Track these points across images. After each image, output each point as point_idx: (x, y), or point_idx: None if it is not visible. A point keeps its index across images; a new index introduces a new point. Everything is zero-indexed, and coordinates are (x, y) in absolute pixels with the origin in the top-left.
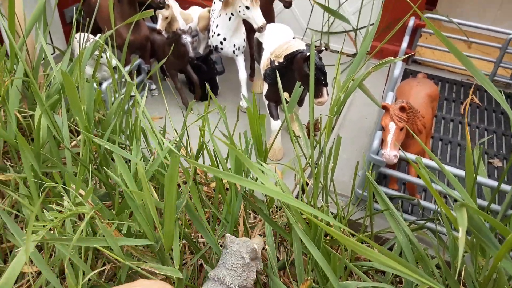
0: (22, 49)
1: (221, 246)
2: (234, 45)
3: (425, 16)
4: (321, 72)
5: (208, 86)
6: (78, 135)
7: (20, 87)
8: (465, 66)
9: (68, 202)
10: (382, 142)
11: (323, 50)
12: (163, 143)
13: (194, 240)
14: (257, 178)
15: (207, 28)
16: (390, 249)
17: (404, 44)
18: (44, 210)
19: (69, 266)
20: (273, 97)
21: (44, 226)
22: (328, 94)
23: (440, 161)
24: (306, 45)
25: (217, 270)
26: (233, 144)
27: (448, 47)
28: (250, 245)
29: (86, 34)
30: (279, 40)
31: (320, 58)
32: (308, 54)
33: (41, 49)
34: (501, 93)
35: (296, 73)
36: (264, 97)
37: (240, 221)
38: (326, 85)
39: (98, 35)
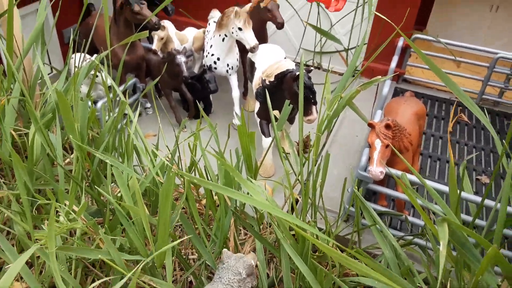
0: (19, 69)
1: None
2: (228, 65)
3: (414, 37)
4: (310, 91)
5: (200, 105)
6: (72, 153)
7: (16, 106)
8: (449, 87)
9: (64, 218)
10: (370, 159)
11: (311, 69)
12: (155, 160)
13: (184, 256)
14: (248, 193)
15: (201, 48)
16: None
17: (393, 64)
18: (35, 227)
19: (60, 281)
20: (265, 115)
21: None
22: (317, 112)
23: (424, 178)
24: (296, 64)
25: (213, 284)
26: (224, 160)
27: (432, 69)
28: (247, 261)
29: (83, 54)
30: (271, 60)
31: (309, 78)
32: (297, 73)
33: (38, 69)
34: (487, 112)
35: (286, 92)
36: (256, 115)
37: (231, 237)
38: (315, 103)
39: (95, 55)
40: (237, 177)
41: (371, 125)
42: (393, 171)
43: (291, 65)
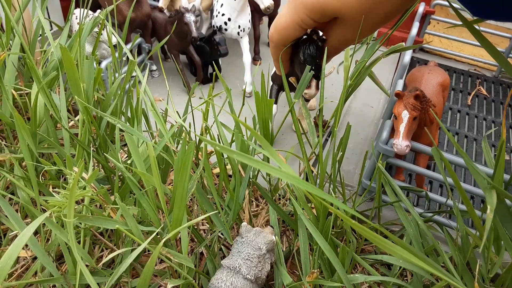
0: (18, 22)
1: (221, 234)
2: (239, 26)
3: (435, 3)
4: (313, 60)
5: (215, 68)
6: (76, 115)
7: (16, 63)
8: (498, 62)
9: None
10: (393, 131)
11: (324, 39)
12: (165, 124)
13: (195, 227)
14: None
15: (210, 8)
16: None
17: (414, 31)
18: (40, 192)
19: (66, 251)
20: (278, 80)
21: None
22: (318, 88)
23: (444, 152)
24: (315, 32)
25: (232, 258)
26: (239, 129)
27: (485, 47)
28: (268, 236)
29: (85, 10)
30: None
31: (318, 48)
32: (305, 37)
33: (38, 25)
34: (507, 85)
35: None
36: (271, 78)
37: (245, 209)
38: (316, 77)
39: (98, 11)
40: (263, 143)
41: (398, 95)
42: (420, 145)
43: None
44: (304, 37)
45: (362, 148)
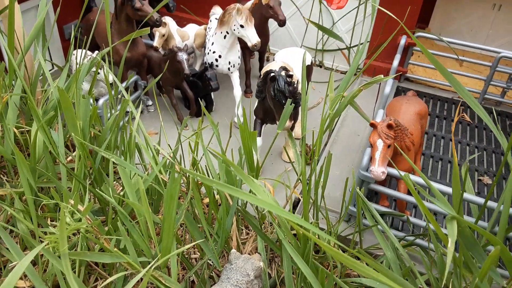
0: (20, 65)
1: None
2: (229, 62)
3: (417, 35)
4: (283, 96)
5: (202, 103)
6: (74, 151)
7: (18, 103)
8: (453, 86)
9: (70, 218)
10: (371, 159)
11: (291, 74)
12: (158, 158)
13: (186, 256)
14: (251, 191)
15: (203, 46)
16: None
17: (396, 62)
18: (39, 225)
19: (62, 281)
20: (259, 114)
21: (47, 240)
22: (293, 120)
23: (428, 178)
24: (284, 68)
25: (221, 284)
26: (227, 159)
27: (437, 68)
28: (256, 263)
29: (84, 51)
30: (286, 61)
31: (288, 83)
32: (272, 74)
33: (40, 65)
34: (492, 111)
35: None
36: (254, 112)
37: (233, 237)
38: (294, 117)
39: (96, 51)
40: (241, 175)
41: (373, 125)
42: (395, 171)
43: (278, 67)
44: (272, 74)
45: (349, 175)
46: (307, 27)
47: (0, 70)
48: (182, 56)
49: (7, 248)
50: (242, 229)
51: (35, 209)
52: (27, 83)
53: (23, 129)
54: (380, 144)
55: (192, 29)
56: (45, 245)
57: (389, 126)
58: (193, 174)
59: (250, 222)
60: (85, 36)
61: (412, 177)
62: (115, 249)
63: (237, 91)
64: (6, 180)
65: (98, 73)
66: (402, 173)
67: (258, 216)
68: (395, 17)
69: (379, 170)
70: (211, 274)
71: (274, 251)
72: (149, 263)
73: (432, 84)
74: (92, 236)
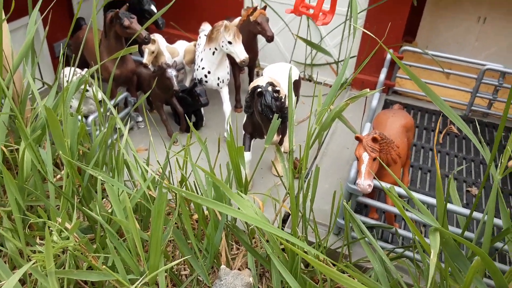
0: (9, 84)
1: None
2: (218, 78)
3: (403, 49)
4: (270, 111)
5: (192, 118)
6: (62, 168)
7: (7, 122)
8: (433, 100)
9: (57, 236)
10: (358, 172)
11: (278, 89)
12: (146, 174)
13: (176, 272)
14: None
15: (193, 62)
16: None
17: (382, 76)
18: (27, 243)
19: None
20: (248, 129)
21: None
22: (281, 134)
23: (417, 190)
24: (271, 84)
25: None
26: (213, 175)
27: (418, 84)
28: (245, 278)
29: (73, 68)
30: (274, 76)
31: (275, 98)
32: (259, 90)
33: (29, 83)
34: (477, 123)
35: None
36: (243, 127)
37: (222, 252)
38: (282, 130)
39: (85, 69)
40: (227, 191)
41: (358, 139)
42: (382, 184)
43: (264, 82)
44: (259, 89)
45: (337, 188)
46: (295, 42)
47: None
48: (171, 72)
49: None
50: (233, 245)
51: (23, 228)
52: (16, 102)
53: (12, 147)
54: (365, 157)
55: (181, 46)
56: (33, 264)
57: (374, 140)
58: (180, 191)
59: (239, 238)
60: (74, 54)
61: (398, 189)
62: (104, 266)
63: (227, 106)
64: None
65: (87, 91)
66: (387, 186)
67: (248, 231)
68: (375, 37)
69: (365, 183)
70: None
71: (264, 267)
72: (137, 280)
73: (420, 97)
74: (80, 254)
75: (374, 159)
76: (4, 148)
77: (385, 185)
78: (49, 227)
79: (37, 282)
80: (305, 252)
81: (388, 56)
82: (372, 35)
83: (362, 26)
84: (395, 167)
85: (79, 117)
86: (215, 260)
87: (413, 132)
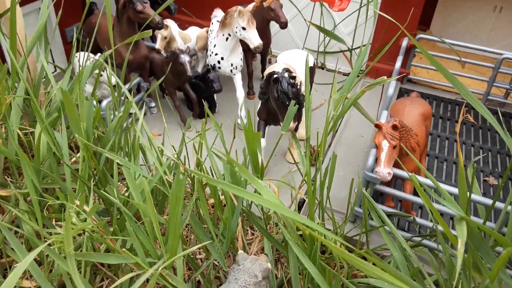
0: (23, 67)
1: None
2: (232, 64)
3: (418, 37)
4: (286, 97)
5: (206, 104)
6: (77, 152)
7: (21, 105)
8: (456, 88)
9: (76, 219)
10: (377, 159)
11: (294, 76)
12: (162, 158)
13: (192, 256)
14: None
15: (205, 48)
16: None
17: (398, 64)
18: (43, 225)
19: (68, 281)
20: (263, 115)
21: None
22: (296, 121)
23: (435, 179)
24: (287, 70)
25: (228, 285)
26: (234, 160)
27: (440, 70)
28: (264, 264)
29: (86, 53)
30: (288, 62)
31: (291, 84)
32: (276, 76)
33: (42, 67)
34: (497, 112)
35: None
36: (257, 114)
37: (238, 237)
38: (298, 118)
39: (98, 54)
40: (246, 175)
41: (378, 126)
42: (401, 172)
43: (281, 68)
44: (275, 75)
45: (353, 176)
46: (308, 29)
47: (3, 72)
48: (185, 58)
49: (12, 249)
50: (247, 230)
51: (40, 210)
52: (30, 85)
53: (27, 131)
54: (385, 145)
55: (194, 32)
56: (50, 245)
57: (394, 127)
58: (199, 174)
59: (255, 223)
60: (87, 39)
61: (418, 178)
62: (124, 249)
63: (240, 93)
64: (10, 181)
65: (101, 75)
66: (407, 174)
67: (264, 217)
68: (395, 21)
69: (385, 171)
70: (217, 274)
71: (279, 252)
72: (155, 264)
73: (435, 86)
74: (98, 236)
75: (394, 147)
76: (19, 131)
77: (404, 173)
78: (64, 210)
79: (54, 263)
80: (324, 237)
81: (404, 44)
82: (392, 19)
83: (377, 16)
84: (414, 155)
85: (94, 101)
86: (231, 245)
87: (430, 121)
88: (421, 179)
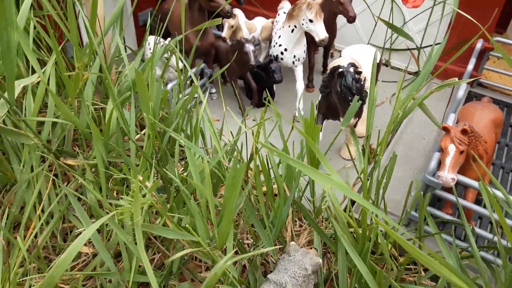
0: (100, 46)
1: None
2: (294, 56)
3: (495, 39)
4: (349, 92)
5: (269, 94)
6: (141, 130)
7: (95, 82)
8: None
9: (140, 194)
10: (440, 164)
11: (360, 71)
12: (221, 143)
13: (240, 241)
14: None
15: (269, 38)
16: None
17: (470, 66)
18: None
19: (124, 250)
20: (322, 109)
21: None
22: (357, 117)
23: (494, 189)
24: (352, 65)
25: (278, 274)
26: (287, 152)
27: None
28: (315, 258)
29: (158, 38)
30: (354, 57)
31: (356, 79)
32: (340, 70)
33: (116, 48)
34: None
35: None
36: (316, 107)
37: (288, 228)
38: (358, 112)
39: (168, 39)
40: (318, 154)
41: (445, 129)
42: (466, 179)
43: (346, 63)
44: (340, 69)
45: (410, 178)
46: (375, 25)
47: (83, 51)
48: (249, 47)
49: (74, 215)
50: (296, 221)
51: (109, 183)
52: (104, 63)
53: (97, 106)
54: (452, 149)
55: (259, 22)
56: (112, 215)
57: (464, 132)
58: (273, 150)
59: (306, 215)
60: (160, 24)
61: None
62: (187, 225)
63: (300, 84)
64: (78, 151)
65: (170, 60)
66: (475, 183)
67: (313, 210)
68: (476, 22)
69: (448, 176)
70: (263, 261)
71: (327, 247)
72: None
73: (507, 92)
74: (160, 209)
75: (461, 152)
76: (91, 106)
77: (471, 182)
78: (126, 184)
79: (112, 232)
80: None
81: (478, 46)
82: (473, 19)
83: (452, 14)
84: (482, 162)
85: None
86: (279, 235)
87: (501, 128)
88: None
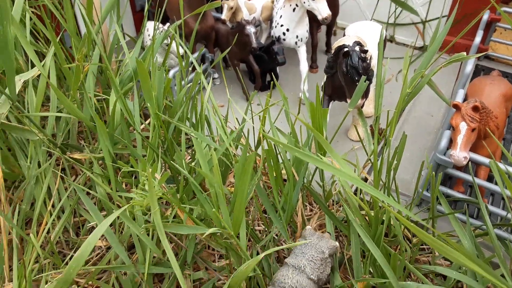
0: (98, 35)
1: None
2: (297, 36)
3: (503, 10)
4: (356, 72)
5: (274, 77)
6: (146, 119)
7: (96, 72)
8: None
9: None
10: (451, 142)
11: (367, 50)
12: (227, 130)
13: (252, 228)
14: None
15: (269, 19)
16: None
17: (478, 39)
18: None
19: (137, 242)
20: (328, 91)
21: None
22: (365, 98)
23: (507, 165)
24: (358, 43)
25: (296, 258)
26: (294, 136)
27: None
28: (331, 241)
29: (157, 23)
30: (358, 35)
31: (362, 59)
32: (346, 50)
33: (114, 36)
34: None
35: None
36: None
37: (298, 212)
38: (365, 92)
39: (167, 24)
40: (325, 145)
41: (456, 106)
42: (478, 157)
43: (352, 42)
44: (346, 49)
45: (419, 158)
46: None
47: (83, 41)
48: (250, 29)
49: (85, 209)
50: (306, 206)
51: (117, 176)
52: (103, 53)
53: (100, 97)
54: (463, 127)
55: (259, 2)
56: (119, 207)
57: (475, 108)
58: (279, 142)
59: (317, 199)
60: (158, 8)
61: (500, 165)
62: (203, 217)
63: (304, 66)
64: (84, 144)
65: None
66: (485, 160)
67: (324, 194)
68: None
69: (460, 155)
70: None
71: (338, 230)
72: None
73: None
74: (173, 200)
75: (473, 129)
76: (93, 98)
77: (481, 159)
78: (134, 175)
79: (124, 225)
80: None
81: (484, 18)
82: None
83: None
84: (491, 139)
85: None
86: (290, 219)
87: (511, 102)
88: (502, 166)
